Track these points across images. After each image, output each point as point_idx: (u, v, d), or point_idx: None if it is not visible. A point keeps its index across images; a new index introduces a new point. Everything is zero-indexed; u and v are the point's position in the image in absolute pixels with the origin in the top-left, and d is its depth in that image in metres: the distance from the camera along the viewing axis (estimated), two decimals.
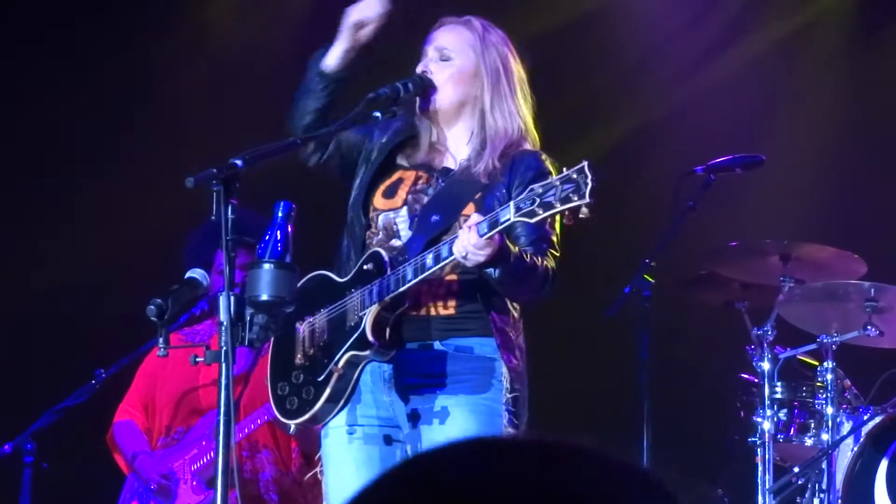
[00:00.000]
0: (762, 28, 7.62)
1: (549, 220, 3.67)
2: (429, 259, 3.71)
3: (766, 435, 5.63)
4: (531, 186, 3.53)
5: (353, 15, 3.96)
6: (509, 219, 3.54)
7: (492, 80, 3.94)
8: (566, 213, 3.48)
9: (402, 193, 3.94)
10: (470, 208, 3.78)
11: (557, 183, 3.46)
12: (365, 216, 3.96)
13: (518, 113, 3.95)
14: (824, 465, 5.48)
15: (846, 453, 5.44)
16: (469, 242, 3.57)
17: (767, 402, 5.64)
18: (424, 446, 3.79)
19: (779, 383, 5.70)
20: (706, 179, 5.69)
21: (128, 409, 5.54)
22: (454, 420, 3.77)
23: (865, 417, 5.47)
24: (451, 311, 3.82)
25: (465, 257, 3.60)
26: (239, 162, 3.53)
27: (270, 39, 7.41)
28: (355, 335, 3.80)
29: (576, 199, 3.43)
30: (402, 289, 3.75)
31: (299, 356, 3.93)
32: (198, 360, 3.55)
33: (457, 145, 3.99)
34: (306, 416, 3.87)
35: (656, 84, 7.53)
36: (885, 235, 6.68)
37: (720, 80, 7.54)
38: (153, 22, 7.29)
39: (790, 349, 5.78)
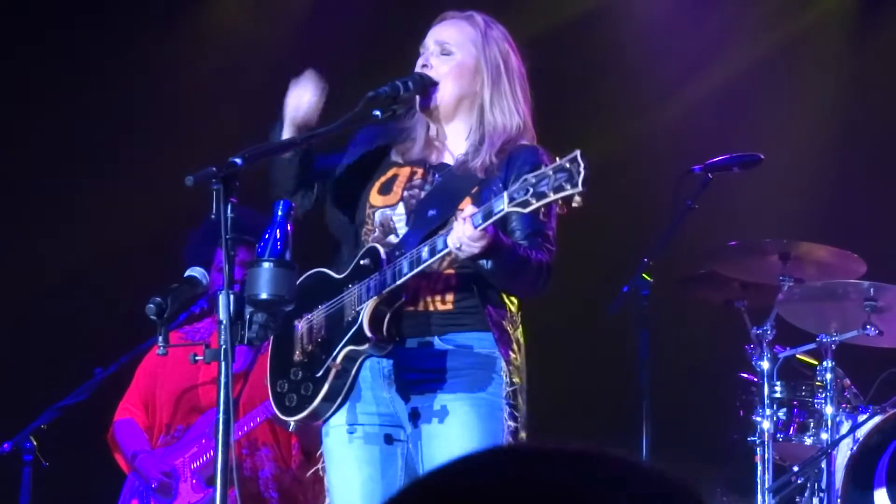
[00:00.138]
0: (762, 28, 7.63)
1: (544, 213, 3.67)
2: (424, 252, 3.71)
3: (766, 434, 5.63)
4: (524, 177, 3.53)
5: (290, 102, 3.93)
6: (503, 209, 3.55)
7: (492, 76, 3.94)
8: (559, 202, 3.50)
9: (397, 190, 3.94)
10: (466, 203, 3.78)
11: (550, 172, 3.47)
12: (361, 213, 3.97)
13: (517, 110, 3.95)
14: (823, 465, 5.48)
15: (845, 452, 5.44)
16: (464, 234, 3.58)
17: (767, 401, 5.65)
18: (426, 444, 3.80)
19: (778, 382, 5.70)
20: (704, 178, 5.69)
21: (128, 408, 5.55)
22: (455, 418, 3.78)
23: (864, 417, 5.47)
24: (450, 306, 3.83)
25: (459, 248, 3.60)
26: (238, 160, 3.53)
27: (270, 39, 7.42)
28: (353, 330, 3.80)
29: (569, 187, 3.44)
30: (398, 282, 3.75)
31: (298, 353, 3.94)
32: (197, 358, 3.56)
33: (455, 141, 3.99)
34: (305, 413, 3.88)
35: (656, 84, 7.53)
36: (884, 235, 6.68)
37: (720, 80, 7.54)
38: (153, 22, 7.30)
39: (789, 348, 5.78)
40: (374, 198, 3.96)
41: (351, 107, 3.89)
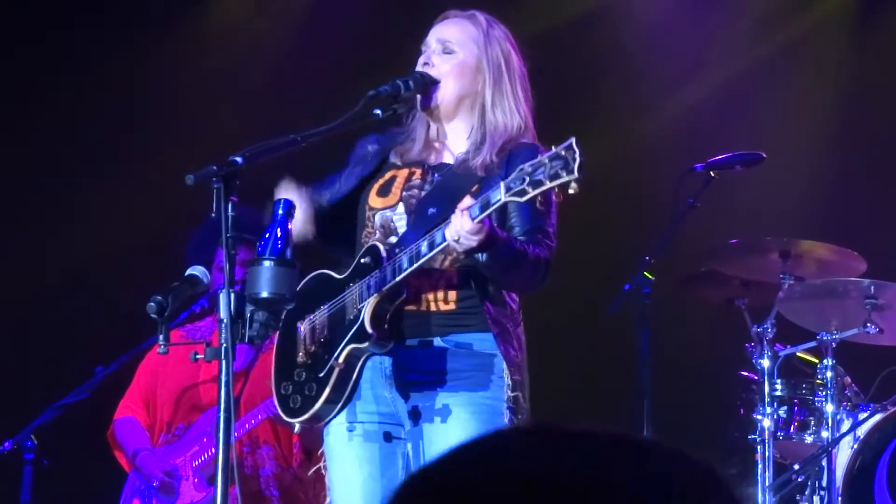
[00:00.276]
0: (763, 28, 7.63)
1: (541, 202, 3.65)
2: (423, 246, 3.71)
3: (766, 432, 5.63)
4: (521, 166, 3.53)
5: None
6: (500, 199, 3.54)
7: (494, 75, 3.94)
8: (556, 189, 3.49)
9: (396, 191, 3.94)
10: (467, 201, 3.78)
11: (546, 160, 3.47)
12: (361, 217, 3.97)
13: (518, 110, 3.95)
14: (824, 463, 5.49)
15: (846, 451, 5.45)
16: (462, 227, 3.57)
17: (767, 399, 5.65)
18: (426, 444, 3.80)
19: (779, 381, 5.70)
20: (706, 177, 5.70)
21: (129, 406, 5.55)
22: (456, 418, 3.78)
23: (865, 415, 5.48)
24: (452, 305, 3.82)
25: (457, 241, 3.60)
26: (239, 159, 3.54)
27: (270, 39, 7.42)
28: (355, 328, 3.80)
29: (565, 175, 3.44)
30: (398, 277, 3.75)
31: (301, 354, 3.94)
32: (198, 356, 3.56)
33: (456, 140, 3.99)
34: (310, 413, 3.87)
35: (656, 84, 7.53)
36: (884, 233, 6.69)
37: (720, 80, 7.54)
38: (153, 22, 7.30)
39: (790, 346, 5.78)
40: (374, 200, 3.96)
41: (351, 106, 3.89)
